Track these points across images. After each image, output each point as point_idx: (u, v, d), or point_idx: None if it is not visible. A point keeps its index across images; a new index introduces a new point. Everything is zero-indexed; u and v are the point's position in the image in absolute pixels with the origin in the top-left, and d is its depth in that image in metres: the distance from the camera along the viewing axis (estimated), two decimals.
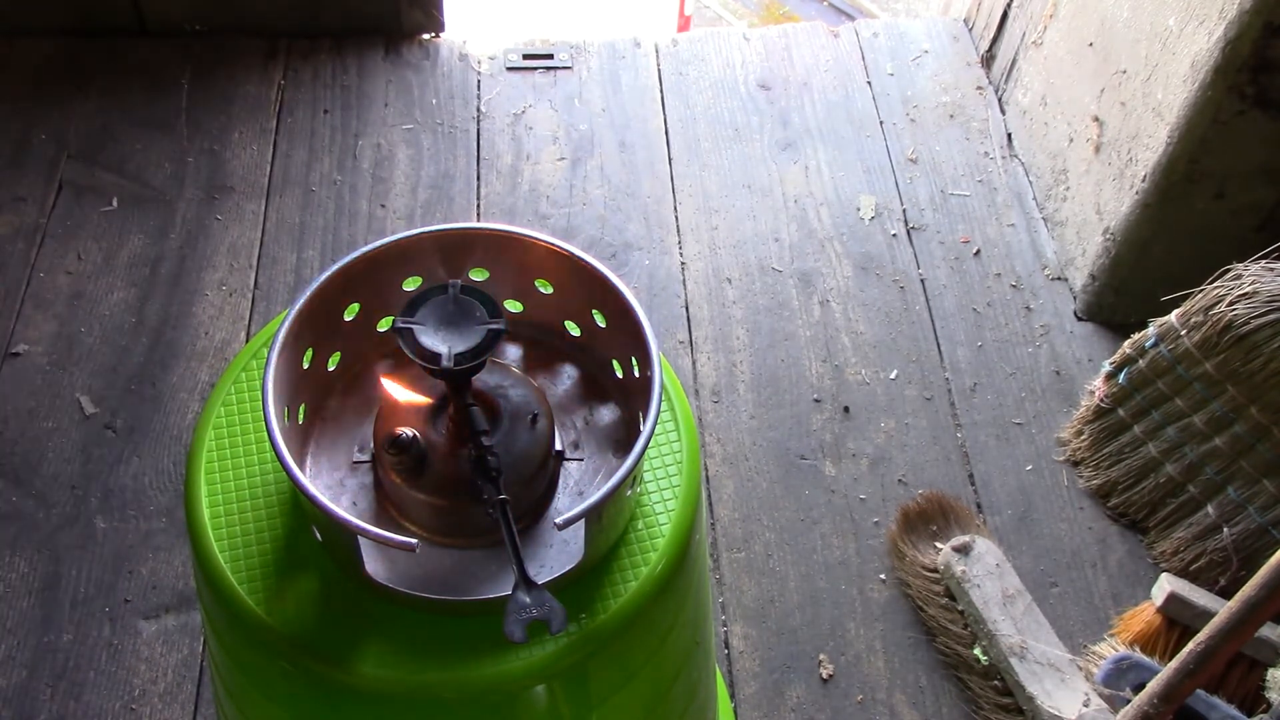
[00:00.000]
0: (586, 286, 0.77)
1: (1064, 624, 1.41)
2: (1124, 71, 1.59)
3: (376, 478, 0.75)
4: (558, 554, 0.73)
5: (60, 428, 1.51)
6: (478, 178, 1.84)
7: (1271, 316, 1.32)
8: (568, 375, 0.83)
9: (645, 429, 0.68)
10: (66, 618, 1.35)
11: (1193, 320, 1.38)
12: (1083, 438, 1.54)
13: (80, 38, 1.94)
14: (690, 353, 1.65)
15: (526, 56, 2.01)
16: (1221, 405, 1.39)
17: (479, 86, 1.96)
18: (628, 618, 0.72)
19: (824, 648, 1.38)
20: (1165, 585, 1.33)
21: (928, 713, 1.34)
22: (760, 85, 2.00)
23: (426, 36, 2.02)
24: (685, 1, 2.75)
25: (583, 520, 0.67)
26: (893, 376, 1.63)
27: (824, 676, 1.36)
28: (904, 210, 1.83)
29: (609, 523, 0.72)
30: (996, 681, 1.32)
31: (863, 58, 2.06)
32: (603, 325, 0.79)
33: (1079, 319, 1.71)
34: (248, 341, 0.97)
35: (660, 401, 0.71)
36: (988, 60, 2.03)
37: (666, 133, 1.92)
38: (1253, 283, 1.34)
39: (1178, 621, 1.32)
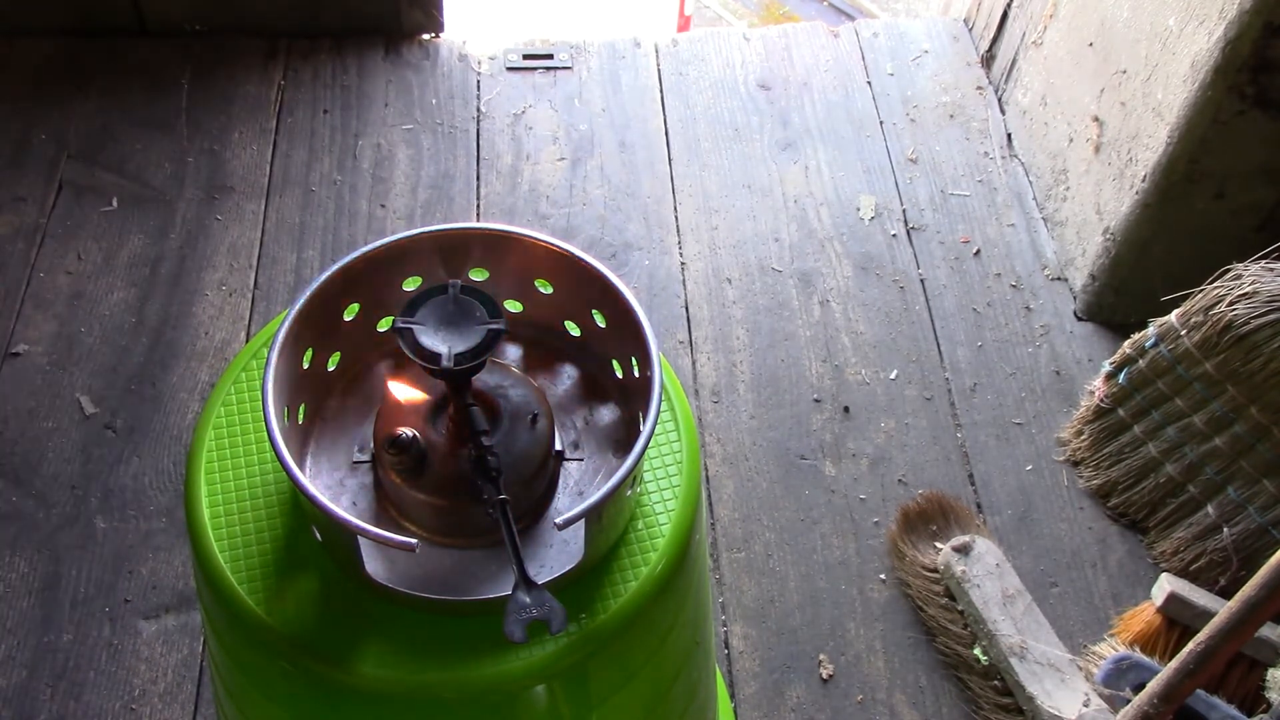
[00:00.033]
0: (586, 286, 0.77)
1: (1064, 624, 1.41)
2: (1124, 71, 1.59)
3: (376, 478, 0.75)
4: (558, 554, 0.73)
5: (60, 428, 1.51)
6: (477, 178, 1.84)
7: (1271, 316, 1.32)
8: (568, 375, 0.83)
9: (645, 429, 0.68)
10: (66, 618, 1.35)
11: (1193, 320, 1.38)
12: (1083, 438, 1.54)
13: (80, 38, 1.94)
14: (690, 353, 1.65)
15: (526, 56, 2.01)
16: (1221, 405, 1.39)
17: (479, 86, 1.96)
18: (628, 618, 0.72)
19: (824, 648, 1.38)
20: (1165, 585, 1.33)
21: (928, 713, 1.34)
22: (760, 85, 2.00)
23: (426, 36, 2.02)
24: (685, 1, 2.75)
25: (583, 520, 0.67)
26: (893, 376, 1.63)
27: (824, 676, 1.36)
28: (904, 210, 1.83)
29: (609, 523, 0.72)
30: (996, 681, 1.32)
31: (863, 58, 2.06)
32: (603, 325, 0.79)
33: (1079, 319, 1.71)
34: (248, 341, 0.97)
35: (660, 401, 0.71)
36: (988, 60, 2.03)
37: (666, 133, 1.92)
38: (1253, 283, 1.34)
39: (1178, 621, 1.32)
